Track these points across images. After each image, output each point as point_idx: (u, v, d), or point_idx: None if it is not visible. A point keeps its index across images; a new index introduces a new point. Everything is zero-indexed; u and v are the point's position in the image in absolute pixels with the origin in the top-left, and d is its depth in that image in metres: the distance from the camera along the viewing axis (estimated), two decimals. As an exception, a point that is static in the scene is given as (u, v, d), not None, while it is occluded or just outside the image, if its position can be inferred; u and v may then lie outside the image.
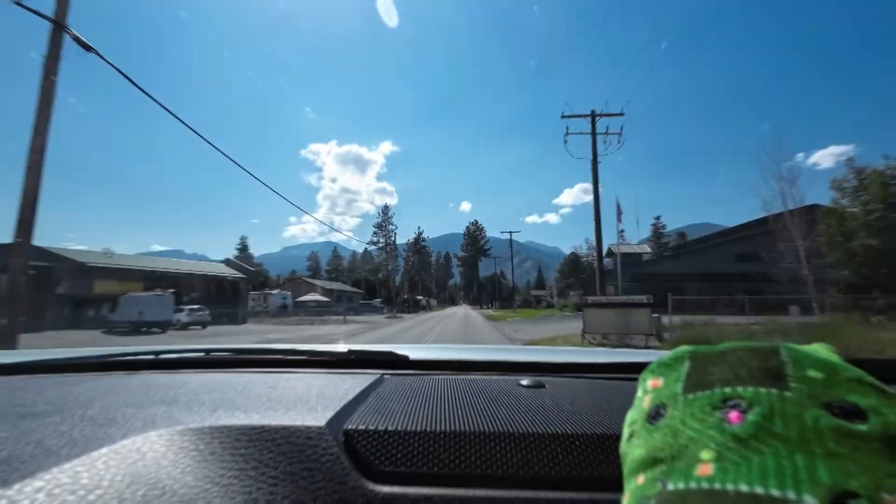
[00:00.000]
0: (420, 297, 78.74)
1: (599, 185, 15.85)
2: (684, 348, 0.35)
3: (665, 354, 0.36)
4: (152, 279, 31.19)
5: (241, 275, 36.75)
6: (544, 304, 64.43)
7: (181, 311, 25.76)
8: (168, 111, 9.28)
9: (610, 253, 47.29)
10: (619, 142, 16.28)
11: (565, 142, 16.60)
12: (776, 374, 0.28)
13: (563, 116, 16.41)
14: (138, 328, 22.89)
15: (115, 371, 0.93)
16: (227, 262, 39.64)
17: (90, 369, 0.95)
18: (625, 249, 40.51)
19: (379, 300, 62.03)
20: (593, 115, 16.24)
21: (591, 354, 1.10)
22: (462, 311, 56.22)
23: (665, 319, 14.48)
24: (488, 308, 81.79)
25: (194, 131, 10.39)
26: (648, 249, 45.14)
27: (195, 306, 26.77)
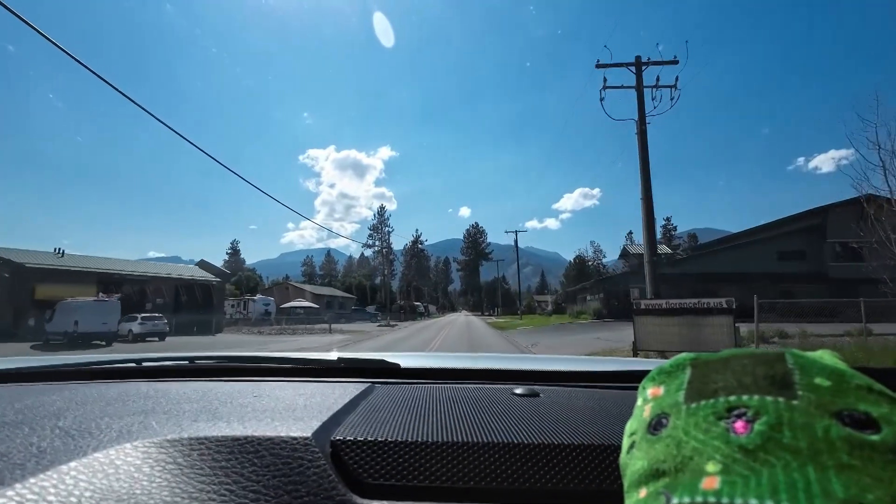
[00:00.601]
0: (418, 303, 74.72)
1: (648, 157, 11.99)
2: (685, 355, 0.34)
3: (665, 361, 0.35)
4: (109, 283, 27.23)
5: (215, 278, 32.77)
6: (550, 310, 60.66)
7: (133, 319, 21.81)
8: (164, 123, 9.36)
9: (625, 254, 43.56)
10: (671, 97, 12.44)
11: (601, 98, 12.77)
12: (782, 381, 0.27)
13: (598, 66, 12.62)
14: (74, 341, 18.91)
15: (94, 380, 0.90)
16: (201, 264, 35.67)
17: (67, 378, 0.92)
18: (641, 249, 36.79)
19: (373, 307, 58.05)
20: (639, 63, 12.45)
21: (588, 363, 1.06)
22: (462, 318, 52.37)
23: (744, 329, 10.79)
24: (490, 314, 77.92)
25: (190, 142, 10.51)
26: (668, 249, 41.35)
27: (151, 314, 22.80)
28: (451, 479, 0.46)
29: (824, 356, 0.30)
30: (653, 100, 12.45)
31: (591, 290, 37.16)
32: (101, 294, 21.34)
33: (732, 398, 0.27)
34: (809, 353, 0.30)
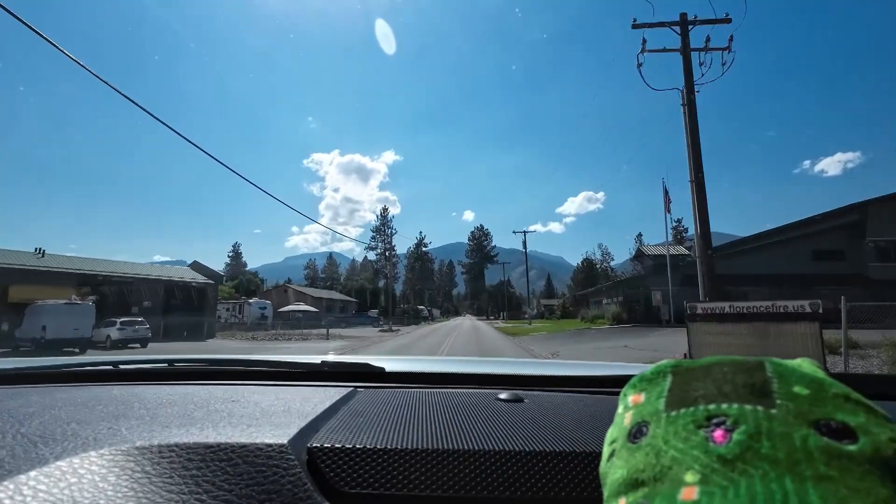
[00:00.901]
0: (421, 307, 72.79)
1: (698, 130, 10.02)
2: (666, 361, 0.34)
3: (646, 368, 0.34)
4: (93, 284, 25.51)
5: (207, 280, 30.99)
6: (558, 315, 58.54)
7: (112, 324, 20.02)
8: (173, 129, 9.70)
9: (639, 255, 41.47)
10: (723, 62, 10.50)
11: (639, 64, 10.86)
12: (761, 390, 0.27)
13: (635, 26, 10.73)
14: (43, 348, 17.13)
15: (67, 383, 0.86)
16: (194, 265, 33.93)
17: (38, 381, 0.89)
18: (657, 251, 34.89)
19: (375, 311, 56.09)
20: (684, 22, 10.53)
21: (572, 367, 1.06)
22: (468, 323, 50.38)
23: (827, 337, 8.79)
24: (495, 319, 75.88)
25: (198, 147, 10.73)
26: (684, 250, 39.24)
27: (131, 318, 20.96)
28: (431, 488, 0.45)
29: (803, 364, 0.30)
30: (700, 65, 10.52)
31: (607, 293, 35.06)
32: (73, 296, 19.57)
33: (712, 406, 0.27)
34: (788, 361, 0.30)
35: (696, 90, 10.10)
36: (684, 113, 10.21)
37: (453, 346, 17.44)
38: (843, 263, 25.00)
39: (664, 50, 10.67)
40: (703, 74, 10.51)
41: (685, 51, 10.32)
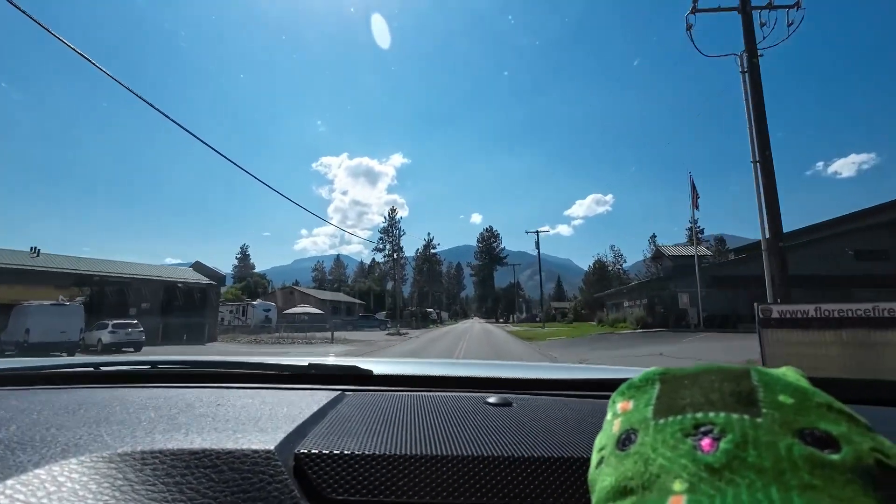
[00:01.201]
0: (430, 310, 71.34)
1: (763, 103, 8.47)
2: (655, 369, 0.34)
3: (635, 375, 0.34)
4: (89, 285, 24.46)
5: (208, 280, 29.85)
6: (571, 318, 56.81)
7: (104, 326, 18.86)
8: (187, 130, 10.02)
9: (658, 255, 39.69)
10: (789, 23, 8.95)
11: (689, 26, 9.34)
12: (748, 398, 0.27)
13: (683, -18, 9.18)
14: (27, 350, 15.98)
15: (47, 385, 0.84)
16: (196, 266, 32.84)
17: (16, 383, 0.86)
18: (677, 251, 33.17)
19: (383, 313, 54.74)
20: (742, -24, 8.96)
21: (560, 370, 1.04)
22: (478, 326, 48.84)
23: None
24: (504, 322, 74.22)
25: (218, 152, 11.31)
26: (706, 251, 37.33)
27: (124, 321, 19.76)
28: (419, 494, 0.45)
29: (788, 373, 0.30)
30: (762, 26, 8.98)
31: (628, 295, 33.27)
32: (60, 297, 18.44)
33: (699, 415, 0.27)
34: (773, 370, 0.30)
35: (759, 53, 8.56)
36: (744, 81, 8.69)
37: (467, 353, 15.98)
38: (886, 263, 23.10)
39: (718, 9, 9.16)
40: (764, 38, 8.97)
41: (745, 7, 8.79)
